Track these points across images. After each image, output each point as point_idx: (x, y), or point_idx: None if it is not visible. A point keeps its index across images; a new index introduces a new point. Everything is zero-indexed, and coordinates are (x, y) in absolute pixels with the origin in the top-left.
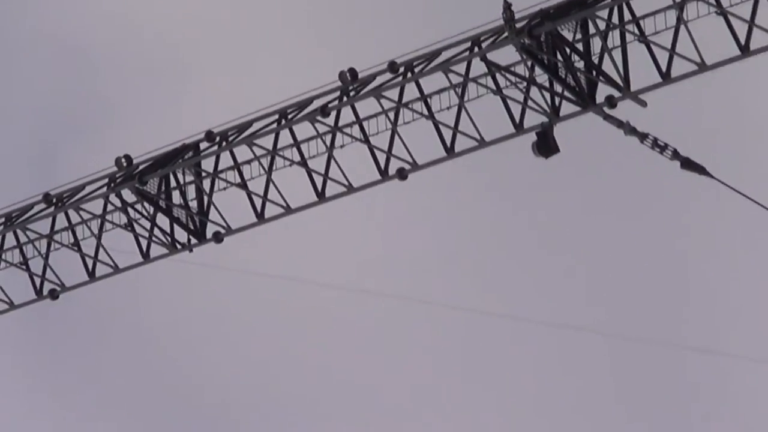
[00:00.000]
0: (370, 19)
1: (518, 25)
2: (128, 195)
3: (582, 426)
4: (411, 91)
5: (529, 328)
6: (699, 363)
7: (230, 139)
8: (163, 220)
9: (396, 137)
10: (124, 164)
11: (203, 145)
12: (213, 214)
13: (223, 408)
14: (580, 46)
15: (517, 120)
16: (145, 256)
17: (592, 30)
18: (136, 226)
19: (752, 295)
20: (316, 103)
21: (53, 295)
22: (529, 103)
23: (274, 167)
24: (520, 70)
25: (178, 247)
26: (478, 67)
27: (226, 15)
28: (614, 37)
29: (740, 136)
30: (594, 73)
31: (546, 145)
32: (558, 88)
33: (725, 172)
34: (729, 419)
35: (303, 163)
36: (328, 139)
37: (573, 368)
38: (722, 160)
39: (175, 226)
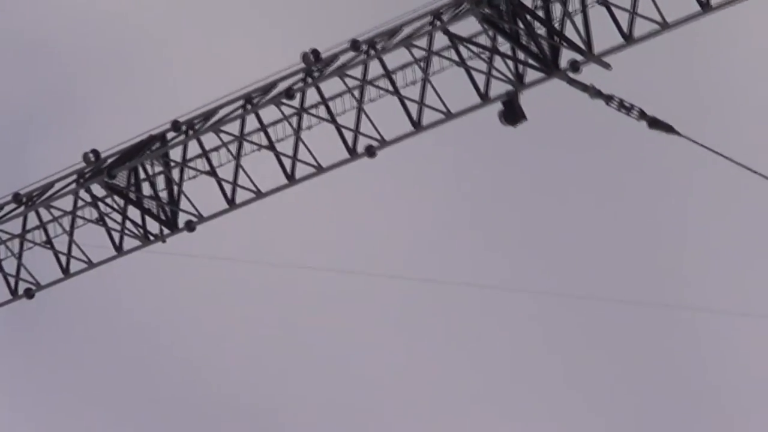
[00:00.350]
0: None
1: None
2: (98, 190)
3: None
4: (375, 68)
5: (506, 297)
6: (677, 320)
7: (196, 127)
8: (134, 213)
9: (363, 115)
10: (92, 159)
11: (170, 135)
12: (184, 203)
13: (208, 398)
14: (541, 13)
15: (483, 90)
16: (119, 249)
17: None
18: (107, 220)
19: (723, 247)
20: (281, 86)
21: (29, 294)
22: (494, 72)
23: (242, 153)
24: (483, 40)
25: (151, 238)
26: (440, 40)
27: (184, 4)
28: (574, 1)
29: (705, 92)
30: (556, 38)
31: (513, 114)
32: (521, 56)
33: (692, 129)
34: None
35: (271, 146)
36: (294, 121)
37: (552, 333)
38: (688, 117)
39: (147, 218)
